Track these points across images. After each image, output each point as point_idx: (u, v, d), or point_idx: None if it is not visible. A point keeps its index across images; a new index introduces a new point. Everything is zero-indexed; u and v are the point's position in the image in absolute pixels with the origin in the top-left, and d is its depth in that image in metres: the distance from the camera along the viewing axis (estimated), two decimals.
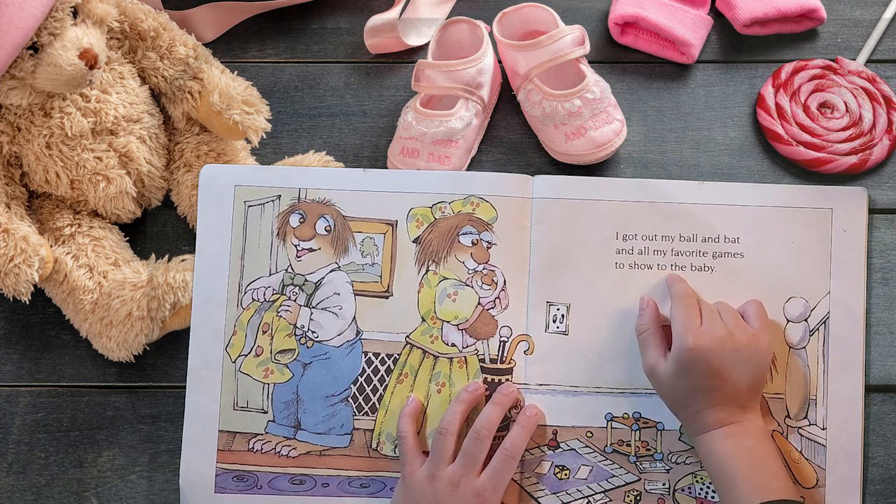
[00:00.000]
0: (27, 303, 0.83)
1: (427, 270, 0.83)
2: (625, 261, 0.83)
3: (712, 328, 0.76)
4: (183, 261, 0.85)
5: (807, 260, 0.83)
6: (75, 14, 0.79)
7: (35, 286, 0.83)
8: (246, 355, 0.82)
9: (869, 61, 0.95)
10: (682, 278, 0.82)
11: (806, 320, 0.82)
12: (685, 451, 0.82)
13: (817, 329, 0.82)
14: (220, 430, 0.82)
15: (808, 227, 0.83)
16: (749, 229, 0.83)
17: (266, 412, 0.82)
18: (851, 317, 0.82)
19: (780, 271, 0.83)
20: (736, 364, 0.75)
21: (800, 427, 0.82)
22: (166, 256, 0.87)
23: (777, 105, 0.92)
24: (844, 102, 0.92)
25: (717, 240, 0.83)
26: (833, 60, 0.94)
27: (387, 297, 0.83)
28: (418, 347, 0.82)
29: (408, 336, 0.83)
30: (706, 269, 0.83)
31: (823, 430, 0.82)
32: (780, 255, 0.83)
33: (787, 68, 0.93)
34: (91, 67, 0.79)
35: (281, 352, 0.83)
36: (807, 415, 0.82)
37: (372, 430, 0.82)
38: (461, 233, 0.83)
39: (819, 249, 0.83)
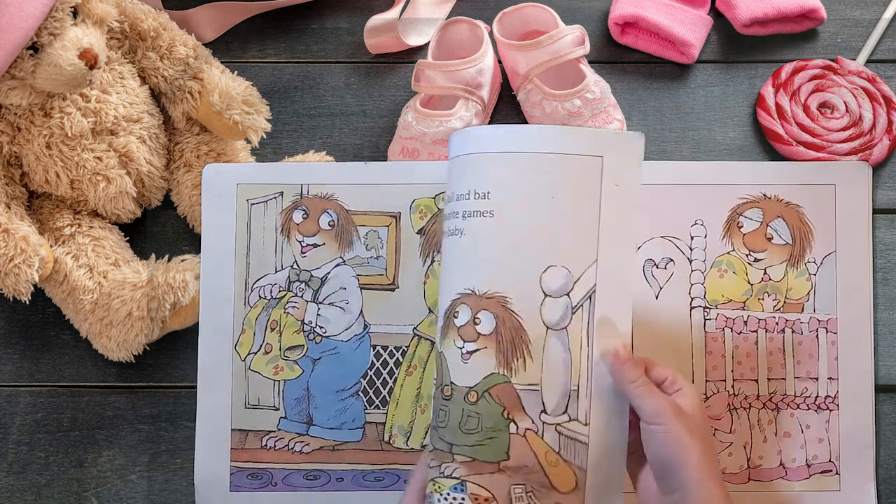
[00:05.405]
0: (27, 303, 0.83)
1: (433, 261, 0.83)
2: None
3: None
4: (183, 261, 0.85)
5: None
6: (75, 14, 0.79)
7: (35, 286, 0.82)
8: (255, 353, 0.82)
9: (869, 61, 0.95)
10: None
11: (568, 294, 0.67)
12: None
13: (581, 305, 0.68)
14: (232, 429, 0.82)
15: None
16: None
17: (277, 409, 0.82)
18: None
19: None
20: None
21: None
22: (166, 256, 0.86)
23: (777, 105, 0.92)
24: (844, 102, 0.92)
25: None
26: (833, 60, 0.94)
27: (393, 290, 0.83)
28: (426, 339, 0.82)
29: (415, 328, 0.82)
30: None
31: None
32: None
33: (787, 68, 0.94)
34: (91, 67, 0.78)
35: (290, 348, 0.82)
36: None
37: (384, 423, 0.82)
38: None
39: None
